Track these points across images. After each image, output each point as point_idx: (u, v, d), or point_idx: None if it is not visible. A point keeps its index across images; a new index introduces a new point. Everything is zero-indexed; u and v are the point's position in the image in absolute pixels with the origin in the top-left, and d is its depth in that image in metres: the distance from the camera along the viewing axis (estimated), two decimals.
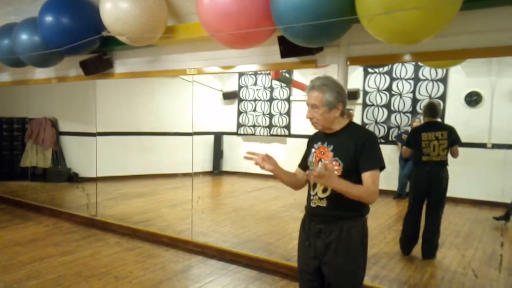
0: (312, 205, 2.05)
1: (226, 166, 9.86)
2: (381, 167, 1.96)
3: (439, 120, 4.30)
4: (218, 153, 9.81)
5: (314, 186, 2.04)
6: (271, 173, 2.07)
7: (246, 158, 2.05)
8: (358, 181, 1.93)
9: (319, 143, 2.08)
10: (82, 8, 3.99)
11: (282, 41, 3.25)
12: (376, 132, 7.59)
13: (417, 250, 4.30)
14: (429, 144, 4.10)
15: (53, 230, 5.13)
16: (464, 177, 6.74)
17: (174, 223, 5.33)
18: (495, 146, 6.67)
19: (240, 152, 9.66)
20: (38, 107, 8.28)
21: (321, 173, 1.72)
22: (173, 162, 8.50)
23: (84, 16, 3.96)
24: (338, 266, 1.98)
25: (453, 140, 4.12)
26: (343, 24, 2.65)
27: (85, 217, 5.52)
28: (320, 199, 2.01)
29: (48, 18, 3.92)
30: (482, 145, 6.72)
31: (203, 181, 9.01)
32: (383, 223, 4.48)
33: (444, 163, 4.13)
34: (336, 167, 1.94)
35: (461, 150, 6.46)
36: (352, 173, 1.93)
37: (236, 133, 9.77)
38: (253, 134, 9.46)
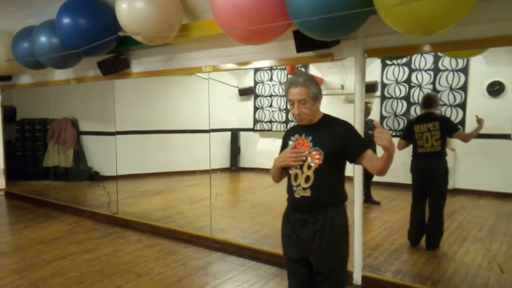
0: (296, 196, 2.11)
1: (244, 162, 9.85)
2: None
3: (434, 111, 4.28)
4: (235, 150, 9.82)
5: (296, 177, 2.11)
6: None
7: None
8: (337, 168, 2.12)
9: (297, 135, 2.17)
10: (98, 9, 4.03)
11: (297, 35, 3.21)
12: (396, 125, 7.46)
13: (442, 243, 4.23)
14: (422, 136, 4.15)
15: (75, 228, 5.24)
16: (487, 169, 6.59)
17: (193, 220, 5.37)
18: None
19: (257, 148, 9.66)
20: (59, 108, 8.45)
21: (384, 130, 1.86)
22: (191, 159, 8.55)
23: (101, 17, 4.00)
24: (325, 254, 2.08)
25: (447, 129, 4.13)
26: (359, 16, 2.59)
27: (106, 215, 5.62)
28: (304, 189, 2.08)
29: (66, 20, 3.99)
30: (506, 136, 6.52)
31: (221, 177, 9.04)
32: (403, 218, 4.42)
33: (439, 154, 4.13)
34: (317, 156, 2.06)
35: (483, 141, 6.39)
36: (332, 162, 2.06)
37: (252, 129, 9.76)
38: (270, 130, 9.42)
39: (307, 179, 2.07)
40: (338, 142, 2.05)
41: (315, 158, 2.06)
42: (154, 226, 5.08)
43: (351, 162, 2.12)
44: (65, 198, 6.82)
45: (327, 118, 2.16)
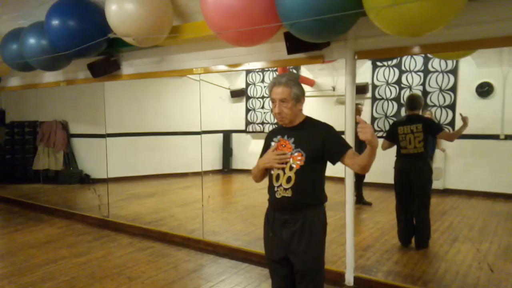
0: (277, 196, 2.13)
1: (236, 164, 9.85)
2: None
3: (418, 112, 4.33)
4: (227, 152, 9.80)
5: (277, 178, 2.13)
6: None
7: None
8: (318, 170, 2.15)
9: (279, 137, 2.20)
10: (88, 10, 4.00)
11: (288, 37, 3.22)
12: (386, 126, 7.51)
13: (432, 243, 4.27)
14: (405, 137, 4.21)
15: (66, 232, 5.18)
16: (477, 169, 6.66)
17: (185, 223, 5.35)
18: (508, 137, 6.55)
19: (249, 150, 9.65)
20: (48, 110, 8.37)
21: (366, 125, 1.87)
22: (182, 162, 8.53)
23: (90, 18, 3.97)
24: (303, 254, 2.11)
25: (430, 131, 4.19)
26: (349, 17, 2.61)
27: (97, 218, 5.57)
28: (285, 189, 2.10)
29: (55, 22, 3.94)
30: (495, 137, 6.61)
31: (213, 179, 9.02)
32: (395, 218, 4.42)
33: (422, 155, 4.18)
34: (299, 157, 2.08)
35: (473, 142, 6.48)
36: (313, 163, 2.10)
37: (244, 131, 9.75)
38: (262, 132, 9.42)
39: (288, 180, 2.09)
40: (319, 144, 2.09)
41: (297, 159, 2.09)
42: (146, 229, 5.05)
43: (334, 163, 2.14)
44: (56, 201, 6.74)
45: (309, 120, 2.20)
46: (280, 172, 2.12)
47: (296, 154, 2.09)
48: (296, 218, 2.10)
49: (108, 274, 3.74)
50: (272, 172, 2.17)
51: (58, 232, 5.17)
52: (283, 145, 2.15)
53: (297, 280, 2.18)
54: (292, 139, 2.14)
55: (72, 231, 5.21)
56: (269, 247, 2.25)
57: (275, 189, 2.14)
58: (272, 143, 2.21)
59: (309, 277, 2.14)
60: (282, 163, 2.11)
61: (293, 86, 2.08)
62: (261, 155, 2.27)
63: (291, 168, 2.09)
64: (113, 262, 4.07)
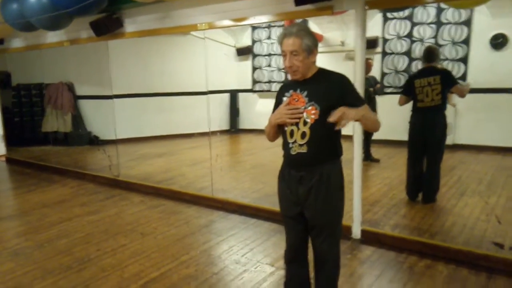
0: (292, 152, 2.06)
1: (243, 124, 9.82)
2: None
3: (435, 65, 4.20)
4: (234, 111, 9.76)
5: (291, 134, 2.05)
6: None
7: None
8: (333, 124, 1.97)
9: (291, 91, 2.09)
10: None
11: None
12: (397, 82, 7.36)
13: (440, 198, 4.29)
14: (422, 90, 4.11)
15: (78, 191, 5.30)
16: (487, 123, 6.57)
17: (194, 181, 5.42)
18: None
19: (256, 109, 9.59)
20: (54, 72, 8.33)
21: (338, 116, 1.85)
22: (190, 122, 8.53)
23: None
24: (319, 208, 2.07)
25: (447, 83, 4.08)
26: None
27: (108, 178, 5.66)
28: (300, 145, 2.03)
29: None
30: (507, 90, 6.45)
31: (221, 139, 9.04)
32: (402, 174, 4.44)
33: (440, 108, 4.11)
34: (313, 111, 1.99)
35: (484, 95, 6.35)
36: (328, 116, 1.97)
37: (251, 90, 9.65)
38: (269, 91, 9.31)
39: (303, 135, 2.01)
40: (334, 96, 1.98)
41: (311, 113, 1.99)
42: (156, 187, 5.13)
43: None
44: (66, 162, 6.85)
45: (322, 71, 2.08)
46: (294, 127, 2.03)
47: (310, 108, 1.99)
48: (312, 174, 2.03)
49: (122, 231, 3.85)
50: (286, 128, 2.08)
51: (71, 191, 5.29)
52: (296, 100, 2.04)
53: (313, 235, 2.15)
54: (305, 93, 2.02)
55: (84, 190, 5.33)
56: (285, 204, 2.19)
57: (290, 145, 2.05)
58: (284, 98, 2.10)
59: (327, 232, 2.11)
60: (295, 118, 2.02)
61: (304, 37, 1.94)
62: (273, 111, 2.16)
63: (305, 123, 1.99)
64: (125, 219, 4.18)
